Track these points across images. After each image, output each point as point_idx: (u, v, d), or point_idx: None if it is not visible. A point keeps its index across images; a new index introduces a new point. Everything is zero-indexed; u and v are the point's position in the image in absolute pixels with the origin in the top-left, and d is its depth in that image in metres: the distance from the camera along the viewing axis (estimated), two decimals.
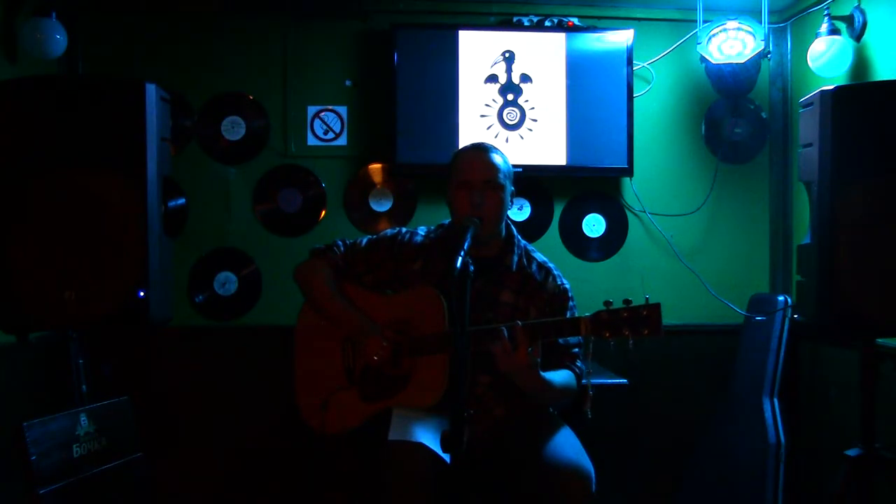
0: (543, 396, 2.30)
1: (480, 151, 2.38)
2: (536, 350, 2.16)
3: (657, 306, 2.10)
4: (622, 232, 3.61)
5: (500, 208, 2.35)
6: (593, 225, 3.60)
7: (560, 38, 3.45)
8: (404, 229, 2.54)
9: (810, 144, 2.38)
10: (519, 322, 2.15)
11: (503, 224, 2.42)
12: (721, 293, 3.54)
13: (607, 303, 2.14)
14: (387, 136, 3.43)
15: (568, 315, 2.37)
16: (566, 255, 3.57)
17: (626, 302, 2.12)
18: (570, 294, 2.45)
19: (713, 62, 3.41)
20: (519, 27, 3.47)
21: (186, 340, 3.41)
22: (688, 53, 3.54)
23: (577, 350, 2.39)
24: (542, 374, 2.20)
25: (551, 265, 2.49)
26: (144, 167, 2.37)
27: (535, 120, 3.45)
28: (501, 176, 2.34)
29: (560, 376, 2.30)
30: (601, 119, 3.45)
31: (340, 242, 2.54)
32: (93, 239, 2.34)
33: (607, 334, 2.13)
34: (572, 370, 2.36)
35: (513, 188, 2.40)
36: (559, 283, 2.45)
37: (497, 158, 2.36)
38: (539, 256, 2.50)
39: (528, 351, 2.12)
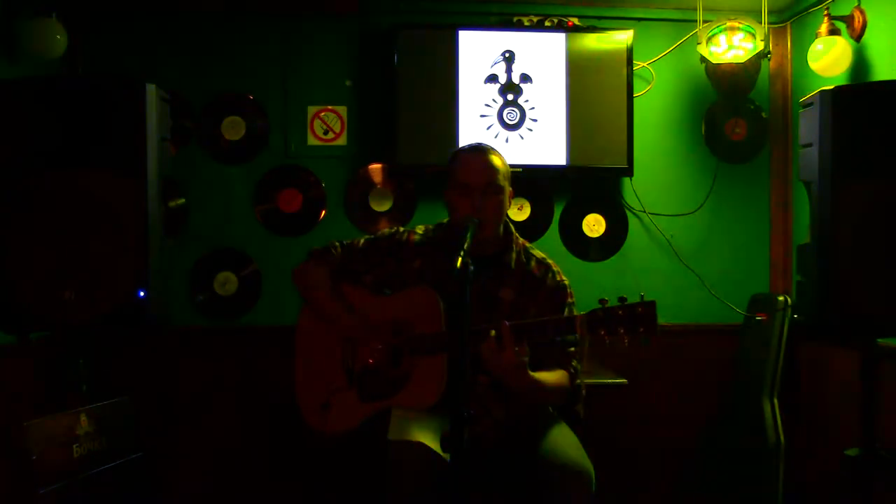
0: (534, 397, 2.29)
1: (480, 153, 2.38)
2: (524, 349, 2.15)
3: (652, 304, 2.10)
4: (622, 232, 3.61)
5: (501, 210, 2.35)
6: (593, 225, 3.60)
7: (560, 38, 3.45)
8: (402, 228, 2.54)
9: (810, 144, 2.38)
10: (506, 321, 2.15)
11: (502, 224, 2.42)
12: (721, 293, 3.54)
13: (603, 301, 2.14)
14: (387, 136, 3.43)
15: (566, 312, 2.37)
16: (566, 254, 3.57)
17: (622, 300, 2.12)
18: (569, 290, 2.45)
19: (713, 62, 3.41)
20: (519, 27, 3.47)
21: (186, 340, 3.41)
22: (688, 53, 3.54)
23: (573, 349, 2.39)
24: (533, 374, 2.19)
25: (550, 261, 2.49)
26: (144, 167, 2.37)
27: (535, 120, 3.45)
28: (501, 178, 2.34)
29: (552, 377, 2.30)
30: (601, 119, 3.45)
31: (338, 243, 2.55)
32: (93, 239, 2.34)
33: (603, 332, 2.13)
34: (567, 370, 2.36)
35: (511, 188, 2.41)
36: (558, 279, 2.45)
37: (497, 160, 2.36)
38: (537, 253, 2.50)
39: (514, 351, 2.12)
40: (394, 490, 2.09)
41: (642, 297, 2.12)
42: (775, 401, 3.28)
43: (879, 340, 2.43)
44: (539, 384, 2.22)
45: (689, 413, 3.53)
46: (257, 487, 3.44)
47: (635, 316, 2.10)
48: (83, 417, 2.30)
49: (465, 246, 1.98)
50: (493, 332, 2.14)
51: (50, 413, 2.23)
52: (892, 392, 2.64)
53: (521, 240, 2.50)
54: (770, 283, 3.64)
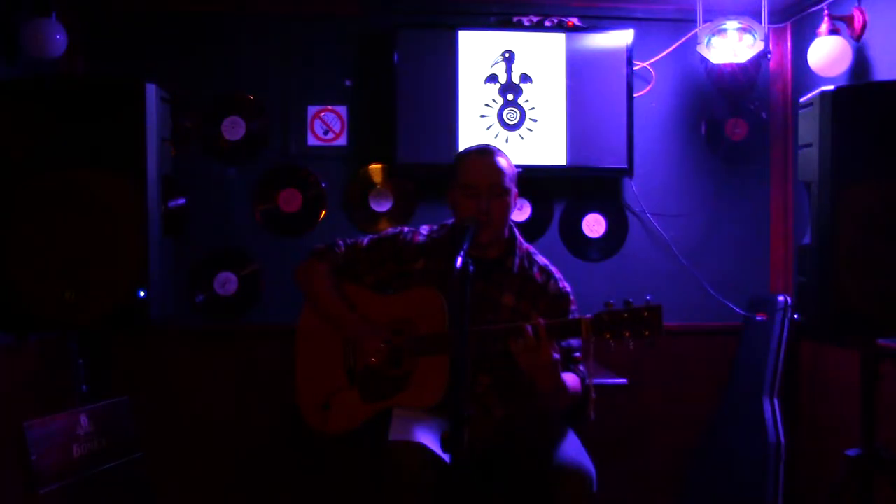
0: (557, 397, 2.27)
1: (487, 155, 2.37)
2: (555, 348, 2.15)
3: (658, 308, 2.10)
4: (622, 232, 3.61)
5: (506, 212, 2.35)
6: (593, 225, 3.60)
7: (560, 38, 3.45)
8: (406, 228, 2.53)
9: (810, 144, 2.38)
10: (541, 320, 2.14)
11: (507, 225, 2.42)
12: (721, 293, 3.54)
13: (608, 304, 2.14)
14: (387, 136, 3.42)
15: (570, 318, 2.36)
16: (566, 255, 3.57)
17: (627, 303, 2.12)
18: (571, 297, 2.45)
19: (713, 62, 3.41)
20: (519, 27, 3.47)
21: (186, 340, 3.41)
22: (688, 53, 3.54)
23: (578, 354, 2.39)
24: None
25: (553, 268, 2.48)
26: (144, 167, 2.37)
27: (535, 120, 3.45)
28: (507, 180, 2.34)
29: (571, 379, 2.29)
30: (601, 119, 3.45)
31: (341, 242, 2.54)
32: (93, 239, 2.34)
33: (608, 336, 2.12)
34: (577, 373, 2.36)
35: (516, 190, 2.40)
36: (560, 286, 2.44)
37: (503, 162, 2.36)
38: (541, 259, 2.49)
39: (550, 349, 2.12)
40: (393, 490, 2.08)
41: (648, 300, 2.12)
42: (775, 401, 3.28)
43: (879, 340, 2.43)
44: (564, 385, 2.22)
45: (689, 413, 3.54)
46: (257, 487, 3.44)
47: (641, 320, 2.10)
48: (83, 417, 2.30)
49: (465, 246, 1.98)
50: (529, 329, 2.12)
51: (50, 413, 2.23)
52: (892, 392, 2.64)
53: (525, 245, 2.49)
54: (770, 283, 3.64)
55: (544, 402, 2.32)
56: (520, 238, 2.48)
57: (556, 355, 2.14)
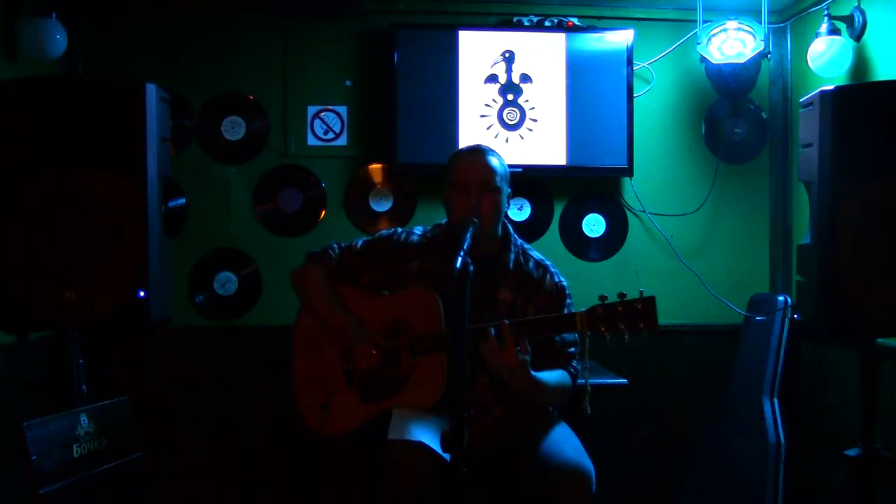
0: (536, 396, 2.29)
1: (477, 154, 2.39)
2: (525, 348, 2.15)
3: (652, 299, 2.11)
4: (622, 232, 3.61)
5: (497, 210, 2.35)
6: (593, 225, 3.60)
7: (560, 38, 3.45)
8: (400, 229, 2.54)
9: (810, 144, 2.38)
10: (506, 320, 2.15)
11: (500, 224, 2.42)
12: (721, 293, 3.54)
13: (602, 297, 2.14)
14: (387, 136, 3.43)
15: (565, 312, 2.37)
16: (566, 255, 3.57)
17: (621, 295, 2.13)
18: (567, 291, 2.45)
19: (713, 62, 3.41)
20: (519, 27, 3.47)
21: (186, 340, 3.41)
22: (688, 53, 3.54)
23: (572, 350, 2.39)
24: (534, 374, 2.19)
25: (548, 262, 2.49)
26: (144, 167, 2.37)
27: (535, 120, 3.45)
28: (498, 178, 2.34)
29: (553, 376, 2.30)
30: (601, 119, 3.45)
31: (336, 245, 2.55)
32: (93, 239, 2.34)
33: (603, 329, 2.14)
34: (567, 370, 2.36)
35: (509, 190, 2.41)
36: (556, 280, 2.45)
37: (494, 161, 2.37)
38: (536, 254, 2.50)
39: (515, 349, 2.12)
40: (393, 490, 2.09)
41: (641, 292, 2.13)
42: (775, 401, 3.28)
43: (879, 340, 2.43)
44: (541, 384, 2.22)
45: (689, 413, 3.53)
46: (257, 487, 3.44)
47: (635, 312, 2.12)
48: (83, 417, 2.30)
49: (465, 245, 1.98)
50: (492, 331, 2.14)
51: (50, 413, 2.22)
52: (892, 392, 2.64)
53: (519, 241, 2.50)
54: (770, 283, 3.64)
55: (523, 399, 2.32)
56: (514, 234, 2.48)
57: (525, 356, 2.14)
